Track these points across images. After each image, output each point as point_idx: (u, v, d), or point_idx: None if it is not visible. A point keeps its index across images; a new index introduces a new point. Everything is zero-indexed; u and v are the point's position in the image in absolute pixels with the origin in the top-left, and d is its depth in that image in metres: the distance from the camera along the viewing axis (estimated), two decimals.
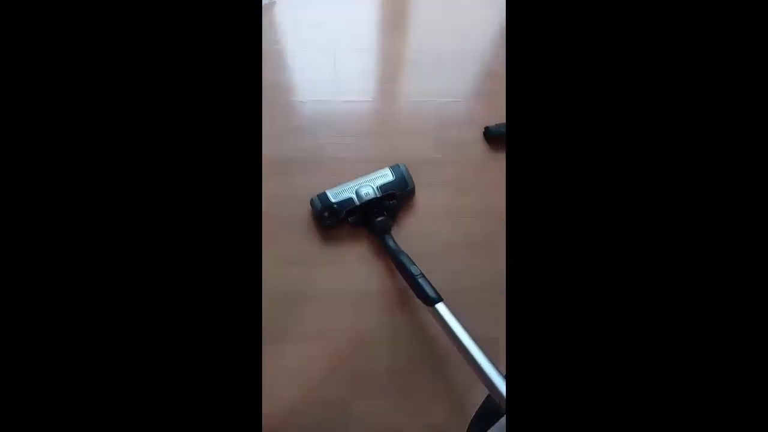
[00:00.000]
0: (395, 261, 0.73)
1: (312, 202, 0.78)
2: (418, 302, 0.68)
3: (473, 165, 0.89)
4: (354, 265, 0.77)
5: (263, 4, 1.08)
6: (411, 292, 0.70)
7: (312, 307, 0.73)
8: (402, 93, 0.99)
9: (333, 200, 0.77)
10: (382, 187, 0.79)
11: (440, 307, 0.65)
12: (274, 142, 0.87)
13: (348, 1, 1.13)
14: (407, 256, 0.72)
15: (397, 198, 0.80)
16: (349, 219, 0.78)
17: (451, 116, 0.95)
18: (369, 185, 0.79)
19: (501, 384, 0.54)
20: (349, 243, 0.79)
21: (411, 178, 0.81)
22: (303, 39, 1.06)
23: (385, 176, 0.80)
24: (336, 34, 1.07)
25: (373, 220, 0.77)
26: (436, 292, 0.67)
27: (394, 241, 0.76)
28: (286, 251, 0.77)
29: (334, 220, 0.77)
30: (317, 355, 0.69)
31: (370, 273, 0.77)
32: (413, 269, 0.69)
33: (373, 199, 0.77)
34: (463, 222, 0.82)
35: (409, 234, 0.80)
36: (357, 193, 0.78)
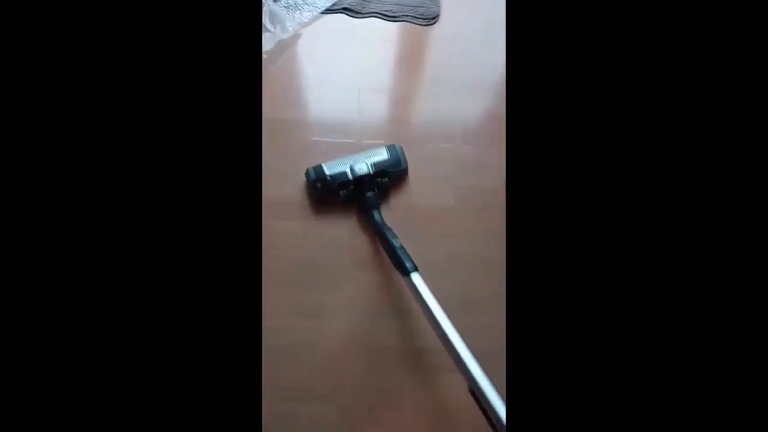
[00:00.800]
0: (379, 234, 0.76)
1: (307, 173, 0.81)
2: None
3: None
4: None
5: (283, 38, 1.02)
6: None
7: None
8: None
9: (327, 172, 0.80)
10: (376, 165, 0.81)
11: (414, 276, 0.68)
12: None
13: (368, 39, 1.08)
14: (391, 230, 0.75)
15: (389, 176, 0.82)
16: (340, 192, 0.81)
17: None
18: (364, 161, 0.81)
19: (470, 360, 0.53)
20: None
21: (405, 158, 0.84)
22: (323, 75, 0.99)
23: (381, 154, 0.83)
24: (358, 71, 1.01)
25: (363, 195, 0.80)
26: (412, 262, 0.70)
27: (380, 216, 0.79)
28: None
29: (327, 192, 0.80)
30: None
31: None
32: (394, 241, 0.72)
33: (366, 174, 0.80)
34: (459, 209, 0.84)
35: (398, 211, 0.83)
36: (351, 168, 0.81)
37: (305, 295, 0.75)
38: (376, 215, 0.78)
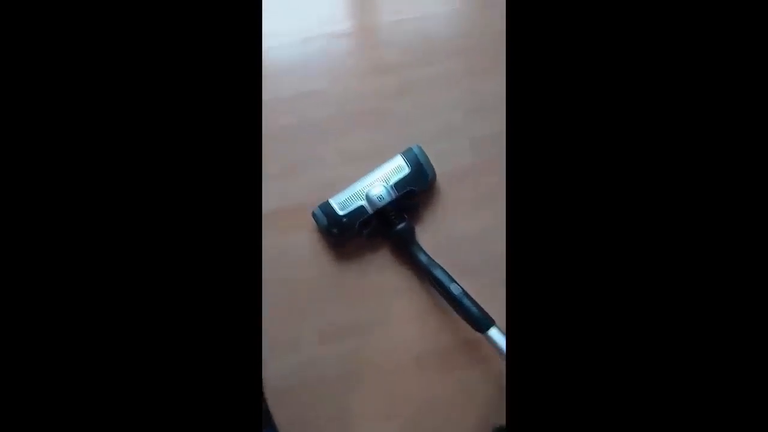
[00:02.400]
0: (430, 279, 0.60)
1: (315, 217, 0.63)
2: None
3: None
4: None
5: None
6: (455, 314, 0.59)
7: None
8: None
9: (340, 212, 0.62)
10: (398, 185, 0.62)
11: (494, 333, 0.54)
12: None
13: None
14: (442, 270, 0.59)
15: (417, 194, 0.64)
16: (363, 232, 0.63)
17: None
18: (381, 185, 0.62)
19: None
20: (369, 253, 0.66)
21: (429, 162, 0.64)
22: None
23: (399, 169, 0.63)
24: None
25: (392, 229, 0.62)
26: (484, 313, 0.56)
27: (424, 252, 0.62)
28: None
29: (345, 236, 0.63)
30: None
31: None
32: (453, 288, 0.57)
33: (388, 203, 0.62)
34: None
35: (437, 232, 0.66)
36: (368, 199, 0.62)
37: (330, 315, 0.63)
38: (418, 253, 0.62)
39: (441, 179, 0.67)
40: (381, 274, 0.65)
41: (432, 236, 0.65)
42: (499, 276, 0.62)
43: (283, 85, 0.72)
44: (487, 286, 0.59)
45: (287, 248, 0.65)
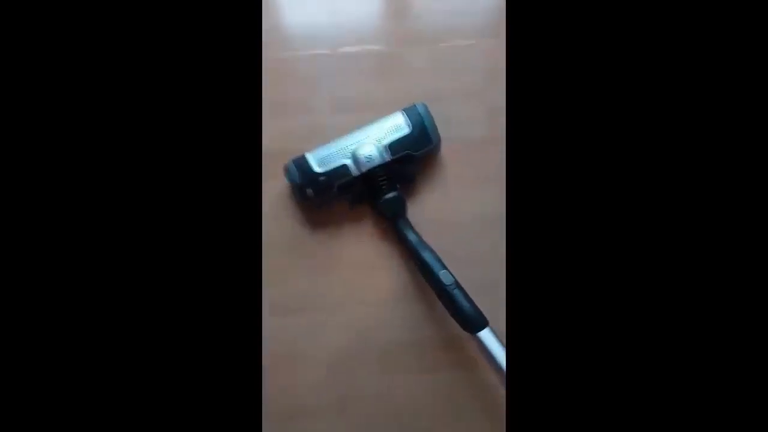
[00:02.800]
0: (417, 262, 0.50)
1: (287, 171, 0.52)
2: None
3: None
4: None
5: None
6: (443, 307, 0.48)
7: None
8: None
9: (318, 169, 0.51)
10: (393, 146, 0.51)
11: (486, 335, 0.44)
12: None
13: None
14: (432, 253, 0.49)
15: (415, 161, 0.53)
16: (344, 197, 0.52)
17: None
18: (372, 143, 0.51)
19: None
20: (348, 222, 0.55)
21: (435, 126, 0.53)
22: None
23: (398, 128, 0.52)
24: None
25: (379, 197, 0.52)
26: (478, 311, 0.46)
27: (413, 230, 0.52)
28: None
29: (322, 199, 0.52)
30: None
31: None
32: (444, 276, 0.47)
33: (378, 166, 0.51)
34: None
35: (432, 210, 0.56)
36: (354, 158, 0.51)
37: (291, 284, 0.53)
38: (406, 230, 0.51)
39: (446, 150, 0.56)
40: (357, 247, 0.55)
41: (426, 214, 0.55)
42: (499, 272, 0.52)
43: (281, 15, 0.60)
44: (484, 281, 0.49)
45: None
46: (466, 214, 0.56)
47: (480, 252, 0.54)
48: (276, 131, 0.55)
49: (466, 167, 0.56)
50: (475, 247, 0.54)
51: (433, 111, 0.53)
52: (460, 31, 0.60)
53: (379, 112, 0.54)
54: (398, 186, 0.53)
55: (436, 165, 0.57)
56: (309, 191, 0.51)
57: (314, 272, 0.54)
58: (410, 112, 0.52)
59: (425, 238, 0.51)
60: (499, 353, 0.43)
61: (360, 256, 0.54)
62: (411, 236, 0.51)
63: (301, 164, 0.51)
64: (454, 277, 0.47)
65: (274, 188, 0.55)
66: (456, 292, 0.46)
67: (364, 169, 0.51)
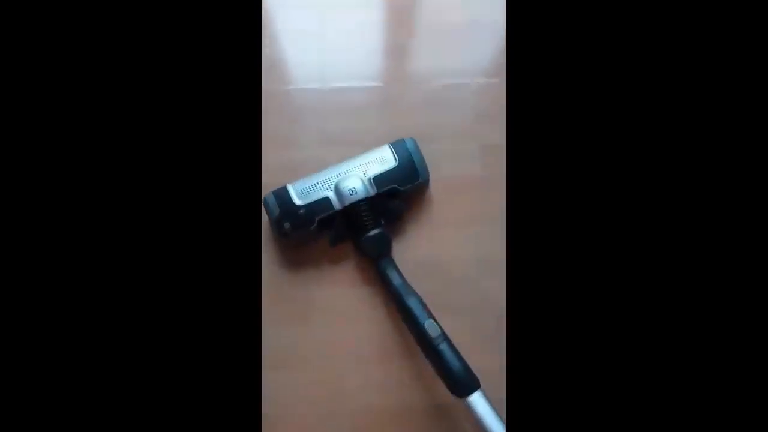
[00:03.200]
0: (400, 309, 0.44)
1: (265, 204, 0.48)
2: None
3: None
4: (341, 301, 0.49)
5: None
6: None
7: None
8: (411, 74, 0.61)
9: (298, 201, 0.47)
10: (378, 180, 0.48)
11: (476, 399, 0.38)
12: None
13: None
14: (418, 300, 0.44)
15: (402, 197, 0.49)
16: (325, 233, 0.48)
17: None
18: (356, 176, 0.48)
19: None
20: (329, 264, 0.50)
21: (424, 161, 0.50)
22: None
23: (384, 160, 0.49)
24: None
25: (362, 234, 0.47)
26: (468, 371, 0.39)
27: (398, 272, 0.47)
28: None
29: (300, 234, 0.48)
30: None
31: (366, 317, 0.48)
32: (430, 327, 0.41)
33: (362, 200, 0.47)
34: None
35: (419, 252, 0.51)
36: (337, 190, 0.47)
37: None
38: (390, 271, 0.46)
39: (436, 188, 0.53)
40: (337, 292, 0.49)
41: (413, 256, 0.50)
42: (494, 324, 0.46)
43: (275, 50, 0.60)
44: (476, 334, 0.43)
45: None
46: (457, 257, 0.51)
47: (472, 300, 0.49)
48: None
49: (457, 207, 0.53)
50: (467, 294, 0.49)
51: (424, 149, 0.51)
52: (452, 70, 0.59)
53: (369, 147, 0.51)
54: (383, 223, 0.48)
55: (426, 203, 0.53)
56: (287, 225, 0.47)
57: (287, 320, 0.48)
58: (398, 146, 0.50)
59: (411, 282, 0.46)
60: (493, 423, 0.36)
61: (340, 303, 0.49)
62: (395, 279, 0.45)
63: (281, 196, 0.47)
64: (441, 329, 0.41)
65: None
66: (443, 346, 0.40)
67: (347, 203, 0.47)
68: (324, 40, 0.61)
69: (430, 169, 0.50)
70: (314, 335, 0.48)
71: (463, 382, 0.38)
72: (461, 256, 0.51)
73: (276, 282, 0.49)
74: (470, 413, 0.37)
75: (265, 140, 0.49)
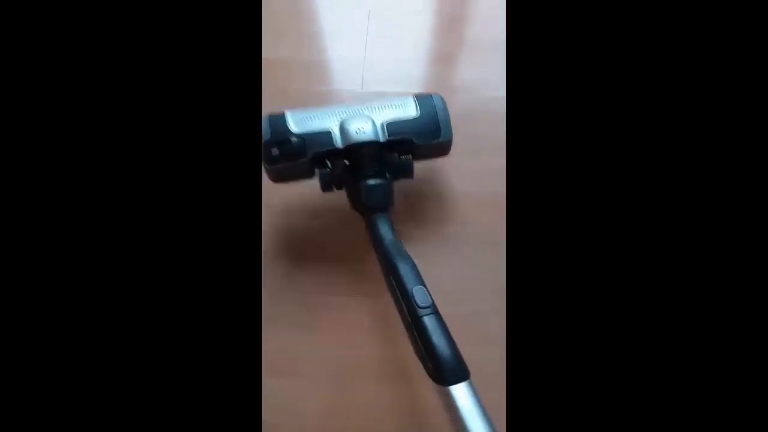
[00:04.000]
0: (388, 271, 0.36)
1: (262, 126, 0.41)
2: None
3: None
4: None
5: None
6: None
7: None
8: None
9: (294, 128, 0.40)
10: (392, 126, 0.41)
11: (460, 391, 0.29)
12: None
13: None
14: (410, 263, 0.35)
15: (415, 150, 0.42)
16: (317, 170, 0.41)
17: None
18: (368, 116, 0.41)
19: None
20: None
21: (449, 121, 0.43)
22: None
23: (403, 107, 0.43)
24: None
25: (360, 183, 0.40)
26: (457, 356, 0.31)
27: (392, 229, 0.39)
28: None
29: (288, 166, 0.40)
30: None
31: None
32: (419, 295, 0.33)
33: (368, 143, 0.40)
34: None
35: (429, 226, 0.43)
36: (342, 127, 0.41)
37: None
38: (382, 226, 0.38)
39: (464, 198, 0.46)
40: (346, 301, 0.41)
41: (419, 228, 0.42)
42: (497, 323, 0.38)
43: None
44: (476, 325, 0.34)
45: None
46: (471, 234, 0.43)
47: (472, 310, 0.40)
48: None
49: (484, 221, 0.45)
50: (476, 279, 0.41)
51: (464, 161, 0.45)
52: (494, 82, 0.54)
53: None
54: (388, 175, 0.41)
55: (452, 213, 0.46)
56: (275, 150, 0.40)
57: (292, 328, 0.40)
58: (423, 99, 0.43)
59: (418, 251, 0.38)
60: (476, 424, 0.27)
61: (350, 314, 0.41)
62: (387, 237, 0.37)
63: (276, 121, 0.41)
64: (431, 300, 0.33)
65: None
66: (430, 319, 0.31)
67: (351, 142, 0.40)
68: (368, 43, 0.57)
69: (468, 183, 0.44)
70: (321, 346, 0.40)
71: (447, 367, 0.29)
72: (475, 232, 0.43)
73: (282, 288, 0.42)
74: (448, 405, 0.28)
75: None
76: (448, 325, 0.32)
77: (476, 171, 0.48)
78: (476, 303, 0.41)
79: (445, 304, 0.33)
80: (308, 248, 0.45)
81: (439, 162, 0.46)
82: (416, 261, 0.36)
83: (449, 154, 0.45)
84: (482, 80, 0.55)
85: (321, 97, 0.54)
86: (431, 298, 0.33)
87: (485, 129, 0.50)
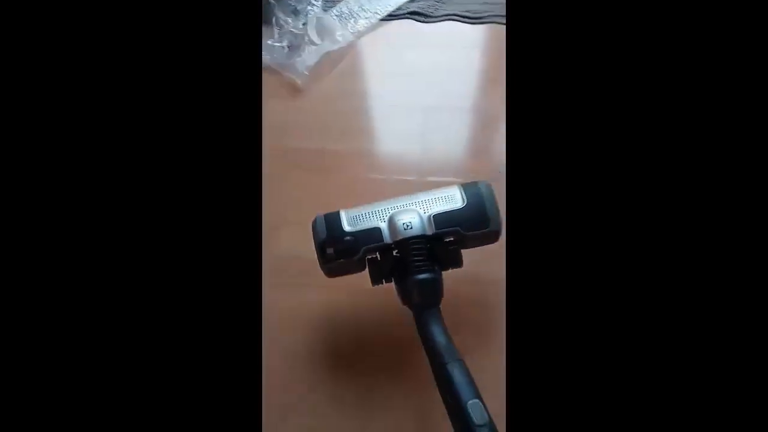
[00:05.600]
0: (440, 379, 0.34)
1: (314, 226, 0.45)
2: None
3: None
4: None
5: (333, 50, 0.78)
6: None
7: None
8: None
9: (347, 227, 0.43)
10: (439, 218, 0.42)
11: None
12: None
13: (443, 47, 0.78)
14: (463, 370, 0.34)
15: (463, 241, 0.42)
16: (368, 266, 0.43)
17: None
18: (415, 211, 0.43)
19: None
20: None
21: (497, 209, 0.43)
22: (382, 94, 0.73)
23: (450, 199, 0.44)
24: (428, 86, 0.72)
25: (410, 276, 0.40)
26: None
27: (443, 329, 0.38)
28: None
29: (342, 264, 0.43)
30: None
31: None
32: (474, 411, 0.30)
33: (417, 237, 0.41)
34: None
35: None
36: (391, 222, 0.43)
37: None
38: (433, 326, 0.38)
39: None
40: (367, 340, 0.41)
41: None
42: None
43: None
44: None
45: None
46: None
47: None
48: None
49: None
50: None
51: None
52: None
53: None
54: (437, 269, 0.41)
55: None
56: (330, 251, 0.42)
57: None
58: (469, 188, 0.44)
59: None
60: None
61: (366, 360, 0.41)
62: (439, 337, 0.37)
63: (332, 220, 0.44)
64: (488, 416, 0.30)
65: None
66: None
67: (399, 237, 0.41)
68: (424, 139, 0.63)
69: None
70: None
71: None
72: None
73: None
74: None
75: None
76: None
77: None
78: None
79: None
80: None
81: None
82: None
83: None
84: None
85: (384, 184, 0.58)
86: (488, 414, 0.30)
87: None
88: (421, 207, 0.43)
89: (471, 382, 0.33)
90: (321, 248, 0.43)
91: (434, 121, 0.67)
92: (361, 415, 0.43)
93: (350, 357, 0.47)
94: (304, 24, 0.81)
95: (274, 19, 0.81)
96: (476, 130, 0.68)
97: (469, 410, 0.30)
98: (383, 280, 0.43)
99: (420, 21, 0.83)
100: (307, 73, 0.75)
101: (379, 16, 0.84)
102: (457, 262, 0.42)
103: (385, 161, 0.65)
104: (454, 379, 0.33)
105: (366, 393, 0.44)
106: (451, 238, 0.42)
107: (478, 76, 0.76)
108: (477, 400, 0.31)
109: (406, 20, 0.83)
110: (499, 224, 0.43)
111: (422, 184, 0.57)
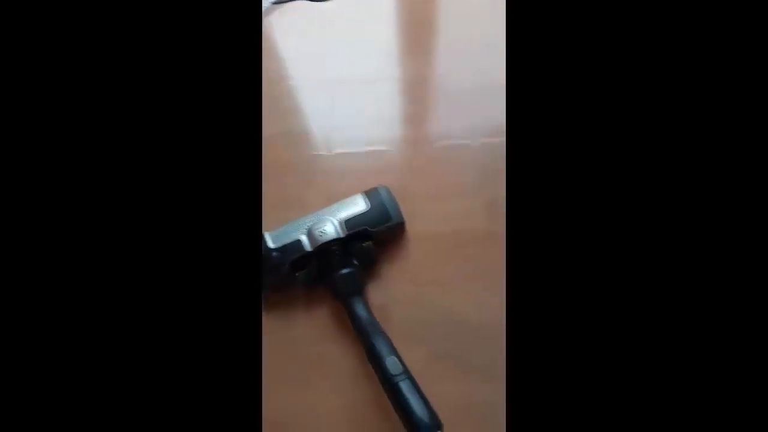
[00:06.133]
0: (366, 348, 0.42)
1: None
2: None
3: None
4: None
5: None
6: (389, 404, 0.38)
7: None
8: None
9: (272, 244, 0.50)
10: (349, 222, 0.50)
11: None
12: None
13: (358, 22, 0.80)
14: (385, 338, 0.42)
15: (374, 237, 0.51)
16: (296, 274, 0.49)
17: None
18: (328, 220, 0.51)
19: None
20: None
21: (397, 206, 0.52)
22: (308, 69, 0.74)
23: (355, 205, 0.52)
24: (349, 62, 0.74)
25: (334, 274, 0.48)
26: (430, 410, 0.35)
27: (367, 309, 0.45)
28: None
29: (274, 279, 0.49)
30: None
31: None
32: (391, 365, 0.38)
33: (333, 240, 0.49)
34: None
35: (395, 297, 0.50)
36: (309, 233, 0.50)
37: None
38: (357, 308, 0.45)
39: (436, 240, 0.53)
40: (307, 330, 0.47)
41: (390, 297, 0.49)
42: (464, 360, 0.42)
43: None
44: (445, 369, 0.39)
45: None
46: (437, 310, 0.49)
47: (446, 346, 0.45)
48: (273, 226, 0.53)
49: (456, 258, 0.52)
50: (442, 344, 0.46)
51: (430, 207, 0.54)
52: (457, 131, 0.63)
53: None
54: (356, 262, 0.49)
55: (410, 252, 0.53)
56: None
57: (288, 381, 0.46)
58: (371, 193, 0.53)
59: (384, 322, 0.44)
60: None
61: (308, 347, 0.47)
62: (362, 315, 0.44)
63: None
64: (403, 366, 0.38)
65: None
66: (404, 384, 0.37)
67: (317, 244, 0.48)
68: (334, 113, 0.67)
69: (437, 223, 0.53)
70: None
71: (420, 422, 0.34)
72: (450, 307, 0.49)
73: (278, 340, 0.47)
74: None
75: (274, 205, 0.52)
76: None
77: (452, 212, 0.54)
78: None
79: None
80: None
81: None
82: None
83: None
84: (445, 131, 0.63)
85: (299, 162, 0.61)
86: (403, 365, 0.38)
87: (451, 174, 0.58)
88: (333, 216, 0.51)
89: (390, 345, 0.40)
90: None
91: (342, 95, 0.68)
92: None
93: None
94: None
95: None
96: (387, 101, 0.69)
97: (387, 365, 0.38)
98: (311, 281, 0.49)
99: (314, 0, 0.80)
100: None
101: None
102: (371, 258, 0.50)
103: (297, 139, 0.64)
104: (375, 344, 0.40)
105: None
106: (363, 237, 0.50)
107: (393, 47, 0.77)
108: (393, 357, 0.38)
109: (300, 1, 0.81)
110: (401, 217, 0.52)
111: (334, 158, 0.61)
